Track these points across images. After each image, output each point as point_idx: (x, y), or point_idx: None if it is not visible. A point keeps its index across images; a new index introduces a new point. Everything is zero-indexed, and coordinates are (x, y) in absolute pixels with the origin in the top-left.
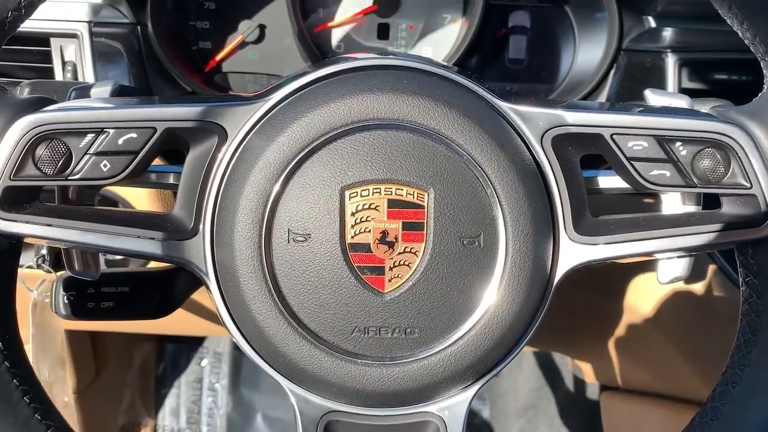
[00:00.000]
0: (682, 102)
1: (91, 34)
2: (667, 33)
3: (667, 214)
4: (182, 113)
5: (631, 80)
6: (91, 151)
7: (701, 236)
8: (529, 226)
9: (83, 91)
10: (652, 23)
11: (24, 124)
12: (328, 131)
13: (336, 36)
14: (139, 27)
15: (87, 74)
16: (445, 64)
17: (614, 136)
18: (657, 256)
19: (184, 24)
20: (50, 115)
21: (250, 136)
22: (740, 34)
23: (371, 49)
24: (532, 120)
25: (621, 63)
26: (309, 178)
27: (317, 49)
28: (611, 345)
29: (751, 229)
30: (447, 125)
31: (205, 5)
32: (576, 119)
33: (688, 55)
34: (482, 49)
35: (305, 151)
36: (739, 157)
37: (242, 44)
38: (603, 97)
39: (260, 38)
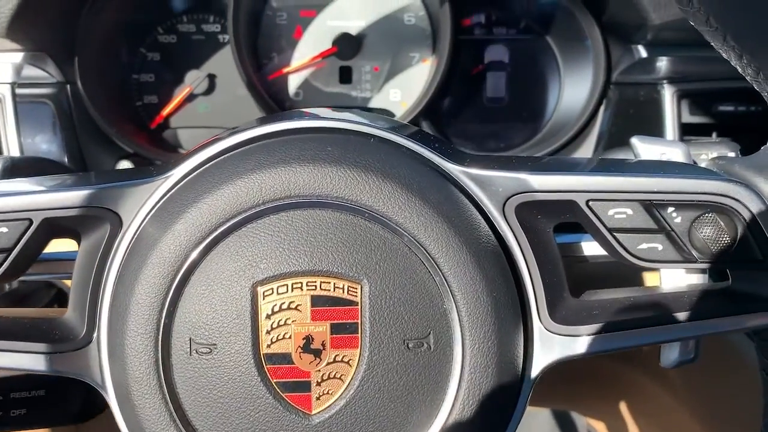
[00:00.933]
0: (677, 152)
1: (14, 96)
2: (662, 63)
3: (667, 292)
4: (63, 200)
5: (624, 117)
6: None
7: (708, 323)
8: (490, 319)
9: None
10: (643, 53)
11: None
12: (233, 215)
13: (294, 83)
14: (68, 86)
15: (11, 142)
16: (387, 117)
17: (591, 203)
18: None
19: (126, 78)
20: None
21: (144, 223)
22: (740, 70)
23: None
24: (490, 186)
25: (611, 98)
26: (213, 275)
27: (272, 99)
28: (624, 405)
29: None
30: (381, 200)
31: (149, 56)
32: (543, 183)
33: (686, 85)
34: (456, 88)
35: (207, 241)
36: (748, 224)
37: (191, 96)
38: (593, 137)
39: (210, 89)
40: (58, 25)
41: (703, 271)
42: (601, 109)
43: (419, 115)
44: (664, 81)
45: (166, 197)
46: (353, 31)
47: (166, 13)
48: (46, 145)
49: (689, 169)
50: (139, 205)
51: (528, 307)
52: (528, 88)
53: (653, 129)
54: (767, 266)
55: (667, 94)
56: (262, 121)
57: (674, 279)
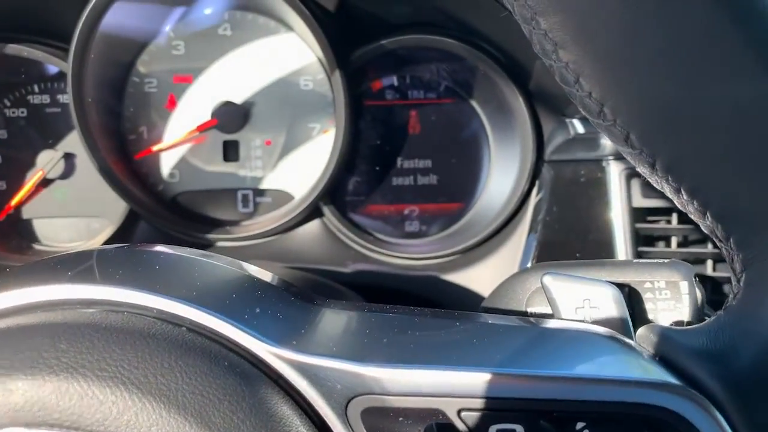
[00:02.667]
0: (604, 299)
1: None
2: (604, 138)
3: None
4: None
5: (563, 201)
6: None
7: None
8: None
9: None
10: (579, 128)
11: None
12: None
13: (168, 161)
14: None
15: None
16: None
17: (464, 414)
18: None
19: None
20: None
21: None
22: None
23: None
24: (323, 384)
25: (546, 177)
26: None
27: (141, 182)
28: None
29: None
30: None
31: None
32: (395, 383)
33: None
34: (364, 162)
35: None
36: None
37: (45, 181)
38: (524, 226)
39: (68, 172)
40: None
41: None
42: (534, 191)
43: (319, 199)
44: (610, 157)
45: None
46: (238, 99)
47: (14, 82)
48: None
49: (610, 361)
50: None
51: None
52: (451, 162)
53: (598, 215)
54: None
55: (614, 173)
56: None
57: None
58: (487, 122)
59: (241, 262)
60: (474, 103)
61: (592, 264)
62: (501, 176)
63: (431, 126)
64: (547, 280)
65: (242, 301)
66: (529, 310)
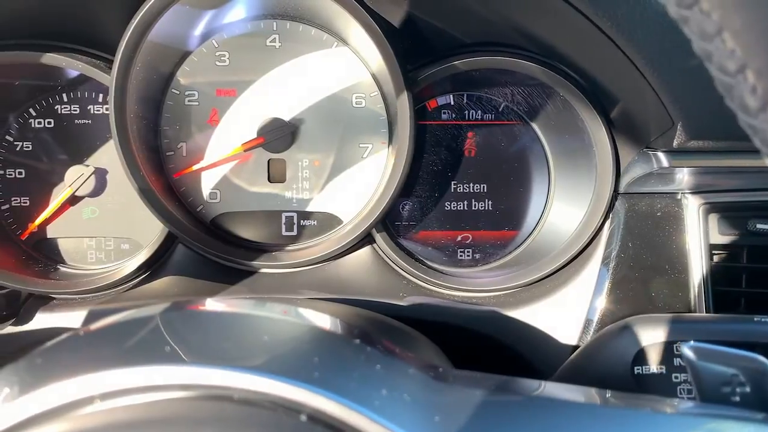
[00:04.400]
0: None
1: None
2: (684, 172)
3: None
4: None
5: (638, 236)
6: None
7: None
8: None
9: None
10: (664, 161)
11: None
12: None
13: (208, 181)
14: None
15: None
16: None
17: None
18: None
19: None
20: None
21: None
22: None
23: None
24: None
25: (619, 210)
26: None
27: (179, 203)
28: None
29: None
30: None
31: (18, 146)
32: None
33: (715, 197)
34: (418, 186)
35: None
36: None
37: (72, 198)
38: (596, 261)
39: (99, 189)
40: None
41: None
42: (606, 224)
43: (373, 225)
44: (687, 191)
45: None
46: (285, 116)
47: (40, 88)
48: None
49: None
50: None
51: None
52: (508, 188)
53: (674, 251)
54: None
55: (692, 208)
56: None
57: None
58: (548, 147)
59: (337, 319)
60: (535, 126)
61: (705, 319)
62: (564, 205)
63: (488, 148)
64: (689, 352)
65: (365, 379)
66: (636, 369)
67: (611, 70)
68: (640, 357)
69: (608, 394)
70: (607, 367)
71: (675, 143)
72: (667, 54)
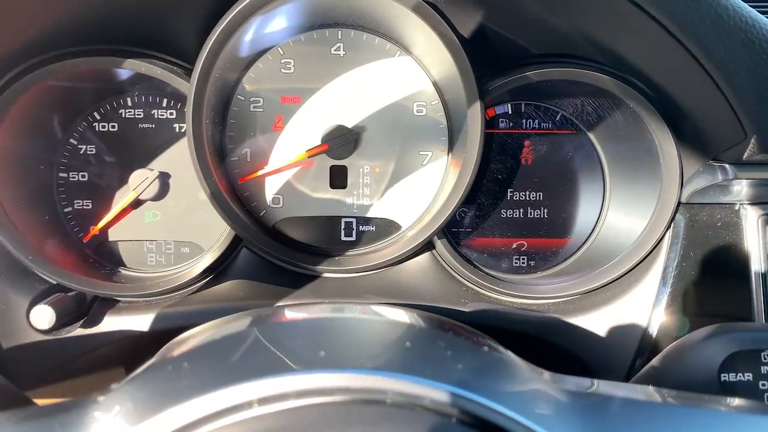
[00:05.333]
0: None
1: None
2: (743, 184)
3: None
4: None
5: (698, 245)
6: None
7: None
8: None
9: None
10: (730, 173)
11: None
12: None
13: (272, 185)
14: None
15: None
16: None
17: None
18: None
19: (50, 179)
20: None
21: None
22: None
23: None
24: None
25: (679, 220)
26: None
27: (243, 207)
28: None
29: None
30: None
31: (82, 149)
32: None
33: None
34: (477, 194)
35: None
36: None
37: (135, 202)
38: (657, 270)
39: (161, 193)
40: None
41: None
42: (667, 234)
43: (436, 233)
44: (746, 202)
45: None
46: (349, 124)
47: (104, 92)
48: None
49: None
50: None
51: None
52: (563, 197)
53: (734, 261)
54: None
55: (751, 218)
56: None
57: None
58: (604, 156)
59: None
60: (591, 136)
61: None
62: (621, 214)
63: (544, 157)
64: None
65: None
66: (723, 377)
67: (684, 82)
68: (727, 364)
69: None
70: (693, 373)
71: (745, 156)
72: (749, 71)
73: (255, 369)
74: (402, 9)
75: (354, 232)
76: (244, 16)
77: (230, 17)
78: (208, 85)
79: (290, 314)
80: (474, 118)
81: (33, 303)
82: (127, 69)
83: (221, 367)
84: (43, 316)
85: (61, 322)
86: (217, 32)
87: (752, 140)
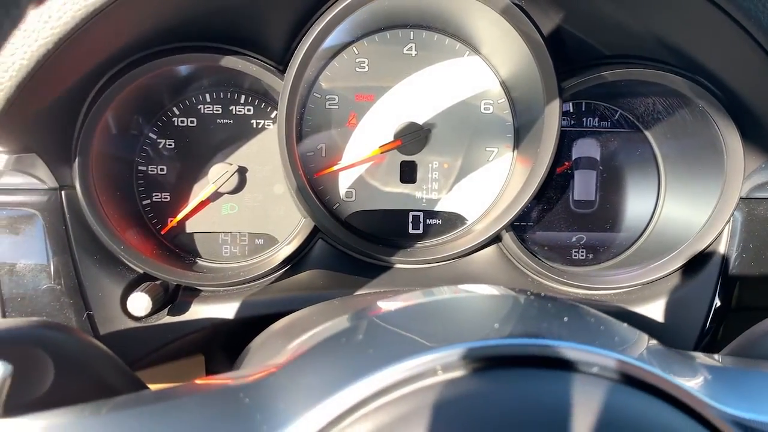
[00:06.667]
0: None
1: None
2: None
3: None
4: None
5: (757, 237)
6: None
7: None
8: None
9: None
10: None
11: None
12: None
13: (345, 180)
14: (62, 192)
15: None
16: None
17: None
18: None
19: (130, 172)
20: None
21: None
22: None
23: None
24: None
25: (737, 216)
26: None
27: (318, 199)
28: None
29: None
30: None
31: (161, 143)
32: None
33: None
34: (541, 190)
35: None
36: None
37: (213, 195)
38: (715, 263)
39: (239, 186)
40: (53, 123)
41: None
42: (726, 229)
43: (506, 227)
44: None
45: None
46: (419, 120)
47: (183, 89)
48: (31, 270)
49: None
50: None
51: None
52: (620, 192)
53: None
54: None
55: None
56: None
57: None
58: (660, 153)
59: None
60: (648, 134)
61: None
62: (677, 208)
63: (603, 154)
64: None
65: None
66: None
67: (753, 83)
68: None
69: None
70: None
71: None
72: None
73: (441, 337)
74: (483, 10)
75: (421, 225)
76: (337, 19)
77: (327, 20)
78: (300, 83)
79: (419, 296)
80: (551, 116)
81: (126, 291)
82: (224, 65)
83: (398, 339)
84: (140, 302)
85: (153, 310)
86: (314, 34)
87: None
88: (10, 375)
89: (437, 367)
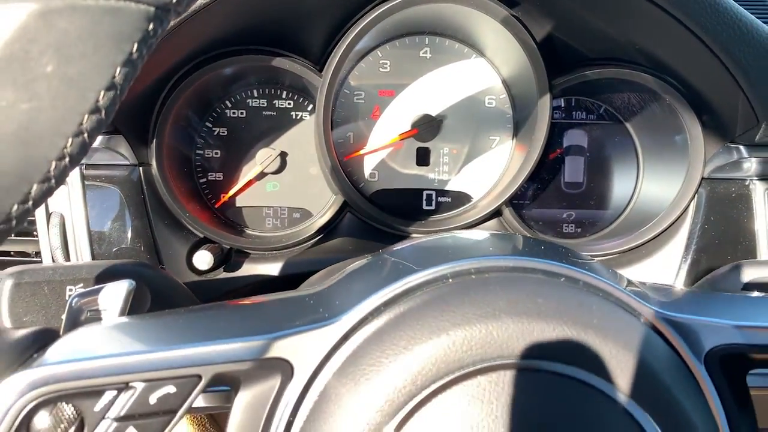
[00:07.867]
0: None
1: (83, 179)
2: (753, 162)
3: None
4: (237, 351)
5: (716, 212)
6: (111, 415)
7: None
8: None
9: (88, 300)
10: (744, 152)
11: (17, 385)
12: (435, 378)
13: (369, 163)
14: (140, 168)
15: (77, 229)
16: (576, 253)
17: None
18: None
19: (191, 155)
20: (52, 370)
21: (327, 377)
22: None
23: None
24: (690, 335)
25: (701, 193)
26: None
27: (348, 178)
28: None
29: None
30: (598, 365)
31: (216, 131)
32: (754, 338)
33: None
34: (536, 172)
35: (409, 407)
36: None
37: (260, 175)
38: (683, 235)
39: (281, 168)
40: (137, 107)
41: None
42: (692, 204)
43: (504, 203)
44: (755, 178)
45: (348, 349)
46: (433, 112)
47: (235, 86)
48: (116, 231)
49: None
50: (314, 353)
51: None
52: (604, 175)
53: (745, 225)
54: None
55: (759, 191)
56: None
57: None
58: (639, 142)
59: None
60: (628, 125)
61: None
62: (653, 188)
63: (590, 143)
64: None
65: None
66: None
67: (710, 80)
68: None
69: None
70: None
71: (756, 138)
72: (762, 70)
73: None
74: (487, 20)
75: (434, 202)
76: (367, 29)
77: (358, 29)
78: (336, 81)
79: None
80: (543, 109)
81: (190, 251)
82: (274, 65)
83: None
84: (204, 258)
85: (213, 266)
86: (348, 40)
87: (763, 125)
88: (133, 289)
89: (447, 274)
